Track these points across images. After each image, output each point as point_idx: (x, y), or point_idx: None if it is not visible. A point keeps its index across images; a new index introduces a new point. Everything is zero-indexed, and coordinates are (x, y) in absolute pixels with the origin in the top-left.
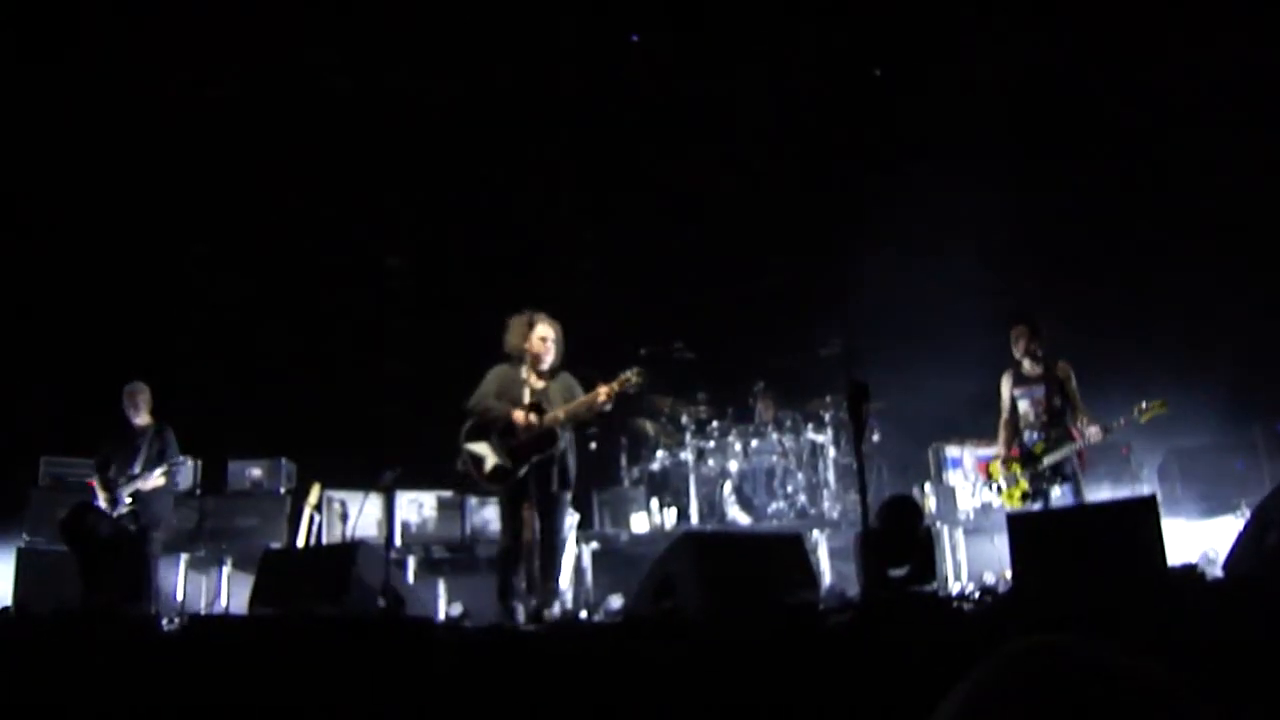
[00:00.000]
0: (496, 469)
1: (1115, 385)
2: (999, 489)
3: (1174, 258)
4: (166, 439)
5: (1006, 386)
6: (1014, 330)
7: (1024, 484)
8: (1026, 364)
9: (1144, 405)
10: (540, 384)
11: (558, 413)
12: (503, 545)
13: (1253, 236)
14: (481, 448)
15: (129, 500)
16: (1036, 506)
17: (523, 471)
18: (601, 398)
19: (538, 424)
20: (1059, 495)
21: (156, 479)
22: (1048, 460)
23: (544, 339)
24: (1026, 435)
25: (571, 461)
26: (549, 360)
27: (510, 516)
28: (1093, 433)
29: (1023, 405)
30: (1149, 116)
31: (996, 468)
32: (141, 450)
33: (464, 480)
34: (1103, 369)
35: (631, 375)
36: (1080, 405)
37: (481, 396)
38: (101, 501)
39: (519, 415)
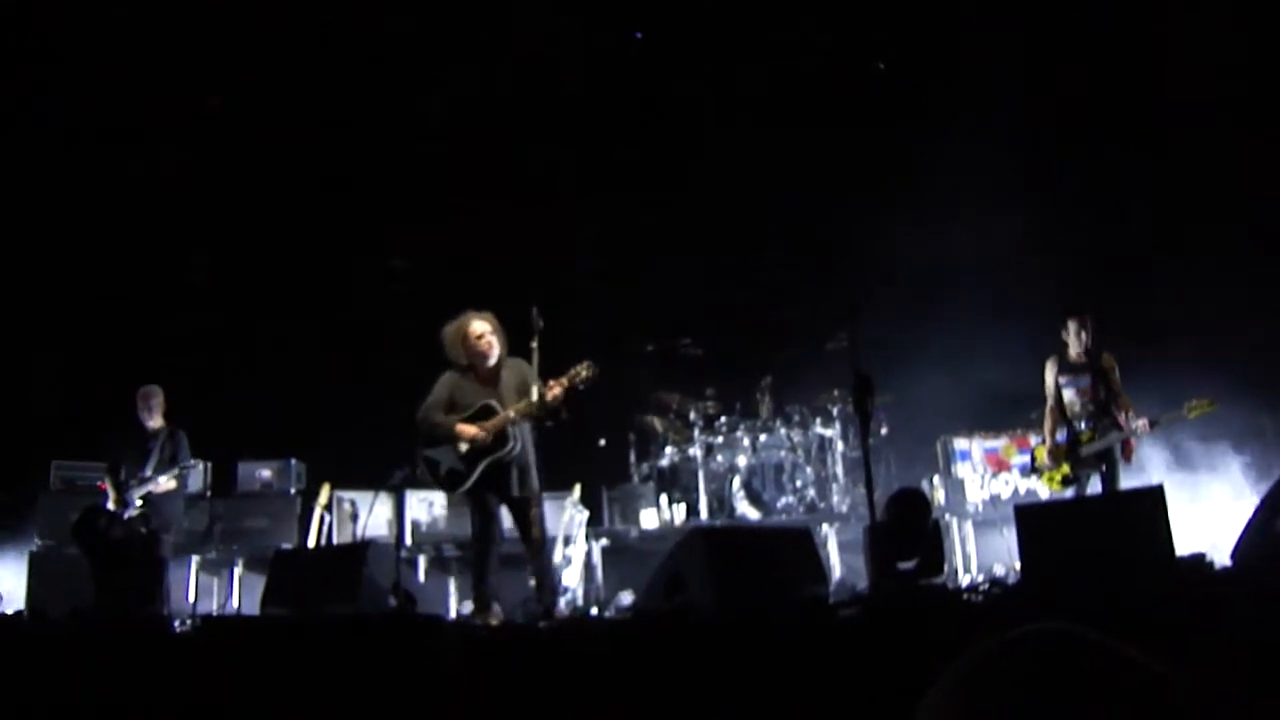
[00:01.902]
0: (451, 473)
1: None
2: (1040, 473)
3: (1181, 246)
4: (179, 442)
5: (1051, 374)
6: (1073, 322)
7: (1066, 468)
8: (1074, 354)
9: (1194, 402)
10: (488, 388)
11: (507, 413)
12: (476, 549)
13: (1262, 223)
14: (435, 453)
15: (140, 503)
16: (1070, 492)
17: (474, 476)
18: (549, 396)
19: (485, 436)
20: (1095, 482)
21: (168, 482)
22: (1095, 447)
23: (480, 336)
24: (1074, 423)
25: (531, 458)
26: (494, 356)
27: (477, 519)
28: (1141, 425)
29: (1068, 394)
30: (1157, 107)
31: (1042, 452)
32: (154, 453)
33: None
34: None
35: (582, 370)
36: (1124, 397)
37: (429, 409)
38: (112, 503)
39: (465, 430)
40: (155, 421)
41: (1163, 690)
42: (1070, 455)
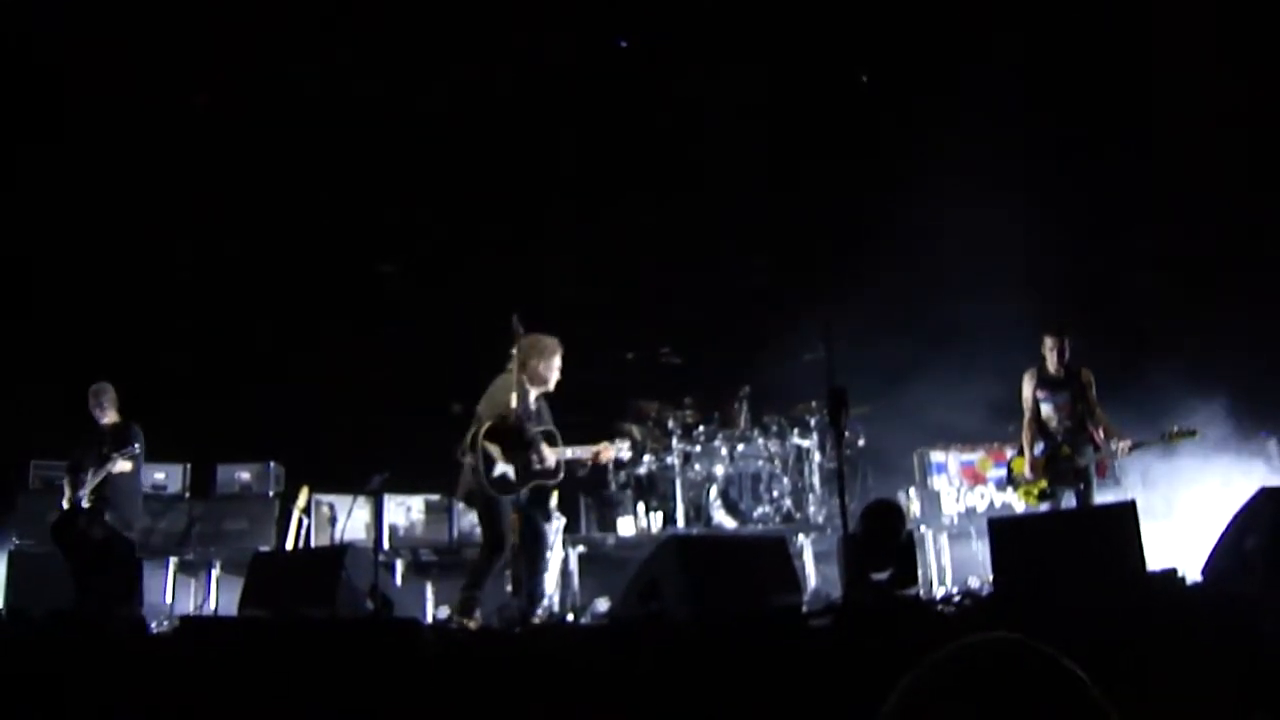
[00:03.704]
0: (503, 479)
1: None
2: (1016, 485)
3: (1162, 264)
4: (128, 435)
5: (1029, 387)
6: (1049, 338)
7: (1043, 483)
8: (1052, 368)
9: (1175, 429)
10: (543, 414)
11: (565, 451)
12: (485, 555)
13: (1246, 242)
14: (497, 451)
15: (89, 495)
16: (1045, 507)
17: (523, 491)
18: (601, 457)
19: (557, 465)
20: (1070, 498)
21: (122, 465)
22: (1079, 463)
23: (558, 369)
24: (1052, 438)
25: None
26: (551, 389)
27: (500, 529)
28: (1123, 447)
29: (1045, 409)
30: (1150, 115)
31: (1020, 464)
32: (105, 449)
33: (462, 468)
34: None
35: (625, 447)
36: (1099, 412)
37: (504, 407)
38: (66, 500)
39: (549, 453)
40: (108, 418)
41: (1097, 714)
42: (1048, 469)
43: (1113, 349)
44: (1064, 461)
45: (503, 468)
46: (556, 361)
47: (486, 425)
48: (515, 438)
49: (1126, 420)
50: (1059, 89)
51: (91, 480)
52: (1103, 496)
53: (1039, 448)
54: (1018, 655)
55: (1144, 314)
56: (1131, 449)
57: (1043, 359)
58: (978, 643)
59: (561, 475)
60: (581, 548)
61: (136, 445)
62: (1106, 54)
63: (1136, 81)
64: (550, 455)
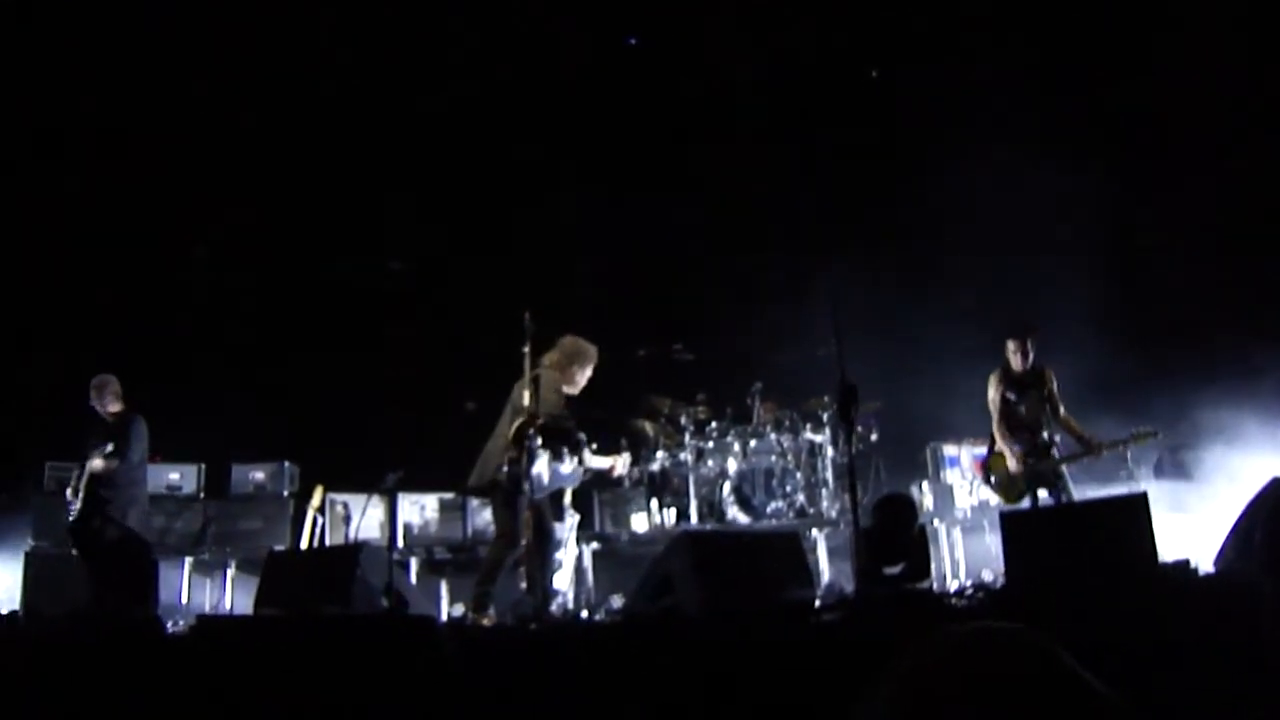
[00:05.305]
0: (537, 477)
1: (1097, 379)
2: (995, 484)
3: (1161, 255)
4: (128, 426)
5: (996, 390)
6: (1011, 341)
7: (1020, 483)
8: (1017, 369)
9: (1139, 430)
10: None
11: (592, 461)
12: (497, 549)
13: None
14: (544, 450)
15: (80, 493)
16: (1026, 504)
17: (548, 490)
18: (614, 471)
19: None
20: (1047, 495)
21: (102, 463)
22: (1054, 462)
23: (589, 377)
24: (1023, 436)
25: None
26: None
27: (514, 524)
28: (1097, 445)
29: (1018, 409)
30: (1167, 110)
31: (998, 462)
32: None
33: (482, 456)
34: (1089, 367)
35: (628, 462)
36: (1063, 411)
37: (555, 407)
38: (70, 493)
39: (592, 460)
40: (110, 410)
41: (1102, 712)
42: (1025, 468)
43: (1138, 341)
44: (1042, 461)
45: (542, 467)
46: (590, 371)
47: (541, 422)
48: (564, 441)
49: (1149, 415)
50: (1078, 70)
51: (83, 477)
52: (1116, 489)
53: (1016, 447)
54: (1012, 643)
55: (1172, 305)
56: (1107, 448)
57: (1007, 361)
58: (973, 630)
59: (580, 482)
60: (595, 544)
61: (109, 446)
62: (1125, 39)
63: (1157, 57)
64: (590, 462)
